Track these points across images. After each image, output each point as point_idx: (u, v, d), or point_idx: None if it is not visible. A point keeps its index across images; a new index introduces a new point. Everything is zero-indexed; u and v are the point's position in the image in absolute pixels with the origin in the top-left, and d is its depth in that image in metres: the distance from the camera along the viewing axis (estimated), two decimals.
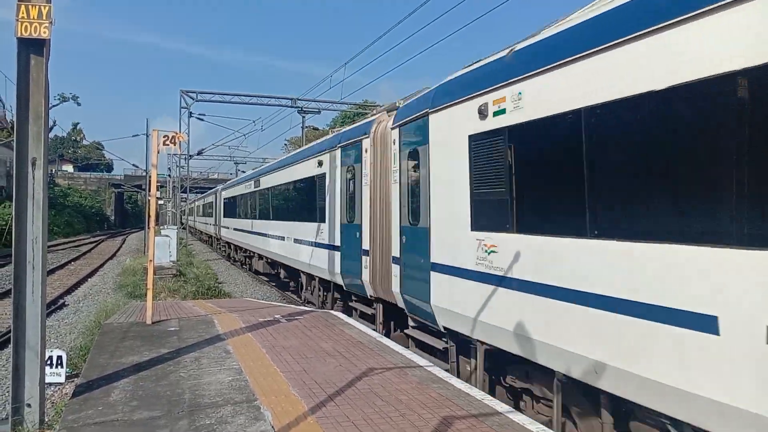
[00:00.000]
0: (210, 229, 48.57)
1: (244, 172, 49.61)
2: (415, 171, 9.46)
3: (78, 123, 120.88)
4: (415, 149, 9.30)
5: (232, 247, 34.70)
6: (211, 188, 56.46)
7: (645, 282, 4.74)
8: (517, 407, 6.92)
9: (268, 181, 22.25)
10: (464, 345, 8.18)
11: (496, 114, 6.85)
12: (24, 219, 5.96)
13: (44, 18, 5.86)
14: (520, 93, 6.43)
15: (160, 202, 42.77)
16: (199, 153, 50.56)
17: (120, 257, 36.50)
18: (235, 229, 31.41)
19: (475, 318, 7.29)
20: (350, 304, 13.34)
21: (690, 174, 4.43)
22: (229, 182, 39.89)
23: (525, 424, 5.69)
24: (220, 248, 42.06)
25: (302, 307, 14.31)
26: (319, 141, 16.65)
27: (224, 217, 36.76)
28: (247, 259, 28.87)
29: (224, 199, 36.95)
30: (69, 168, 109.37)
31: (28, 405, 5.91)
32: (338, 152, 13.33)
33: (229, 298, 19.32)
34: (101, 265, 30.96)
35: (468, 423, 5.68)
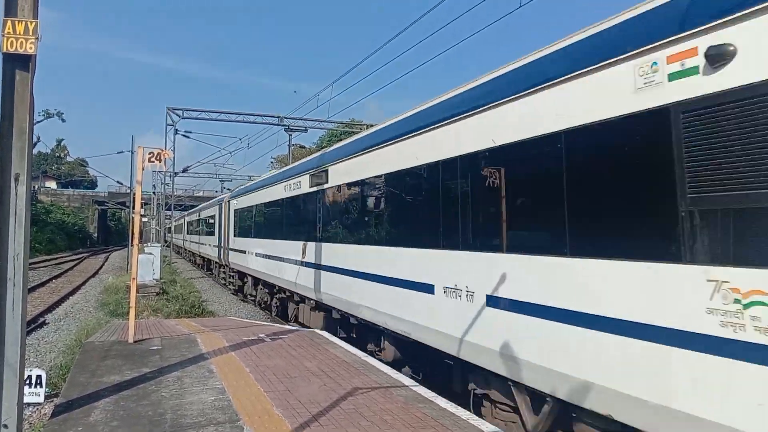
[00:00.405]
0: (208, 251, 36.37)
1: (230, 189, 48.34)
2: None
3: (62, 139, 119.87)
4: None
5: (248, 280, 23.95)
6: (195, 206, 55.63)
7: None
8: None
9: (367, 166, 10.84)
10: None
11: None
12: (5, 235, 5.88)
13: (31, 34, 5.83)
14: None
15: (144, 219, 42.50)
16: (185, 170, 50.44)
17: (102, 275, 36.07)
18: (258, 255, 20.29)
19: None
20: None
21: None
22: (245, 186, 26.93)
23: None
24: (224, 277, 30.49)
25: (287, 326, 14.19)
26: None
27: (236, 236, 25.42)
28: (278, 301, 19.03)
29: (236, 210, 25.54)
30: (52, 185, 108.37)
31: (5, 426, 5.78)
32: None
33: (213, 317, 19.14)
34: (83, 283, 30.56)
35: None
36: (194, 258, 49.37)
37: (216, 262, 33.20)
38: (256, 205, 21.25)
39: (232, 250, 26.32)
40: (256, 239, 20.97)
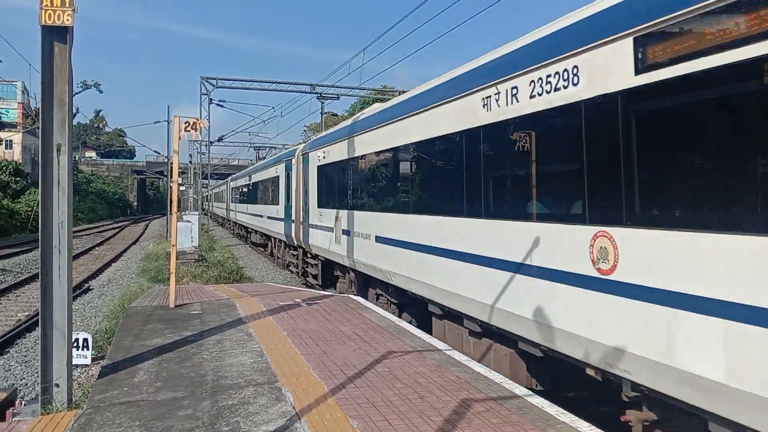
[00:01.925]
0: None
1: (264, 158, 47.96)
2: None
3: (101, 110, 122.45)
4: None
5: None
6: (230, 174, 55.86)
7: None
8: None
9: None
10: None
11: None
12: (50, 204, 6.08)
13: (67, 6, 5.93)
14: None
15: (182, 188, 43.15)
16: (220, 139, 50.87)
17: (143, 242, 36.99)
18: None
19: None
20: None
21: None
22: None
23: (544, 407, 5.71)
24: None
25: (322, 292, 14.41)
26: None
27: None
28: None
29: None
30: (92, 155, 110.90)
31: (57, 385, 6.07)
32: None
33: (251, 283, 19.51)
34: (125, 251, 31.41)
35: (487, 405, 5.72)
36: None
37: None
38: None
39: None
40: None
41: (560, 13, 6.50)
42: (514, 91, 6.80)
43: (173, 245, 11.31)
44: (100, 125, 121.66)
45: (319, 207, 16.30)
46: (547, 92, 6.19)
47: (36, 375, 9.18)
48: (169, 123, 33.22)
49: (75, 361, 7.20)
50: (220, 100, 41.87)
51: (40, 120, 6.04)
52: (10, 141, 62.43)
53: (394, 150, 10.71)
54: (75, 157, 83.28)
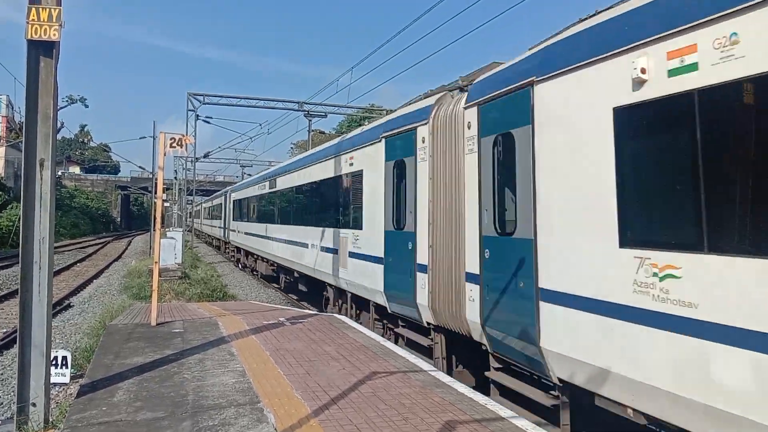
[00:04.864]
0: None
1: (250, 175, 48.26)
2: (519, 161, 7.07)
3: (86, 125, 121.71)
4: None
5: None
6: (216, 190, 56.21)
7: None
8: None
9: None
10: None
11: None
12: (31, 219, 6.01)
13: (54, 21, 5.92)
14: None
15: (166, 204, 42.83)
16: (206, 156, 50.71)
17: (125, 259, 36.60)
18: None
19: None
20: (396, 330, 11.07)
21: None
22: None
23: (528, 429, 5.68)
24: None
25: (306, 311, 14.32)
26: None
27: None
28: None
29: None
30: (76, 170, 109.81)
31: (33, 404, 5.95)
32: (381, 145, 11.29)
33: (234, 301, 19.35)
34: (107, 267, 31.06)
35: (471, 427, 5.68)
36: None
37: None
38: None
39: None
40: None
41: (552, 21, 6.65)
42: (276, 182, 22.31)
43: (156, 262, 11.20)
44: (85, 140, 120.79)
45: (233, 221, 35.87)
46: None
47: (12, 393, 8.97)
48: (154, 139, 33.09)
49: (53, 380, 7.07)
50: (206, 116, 41.78)
51: (24, 134, 5.99)
52: None
53: (245, 198, 30.08)
54: (59, 172, 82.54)
